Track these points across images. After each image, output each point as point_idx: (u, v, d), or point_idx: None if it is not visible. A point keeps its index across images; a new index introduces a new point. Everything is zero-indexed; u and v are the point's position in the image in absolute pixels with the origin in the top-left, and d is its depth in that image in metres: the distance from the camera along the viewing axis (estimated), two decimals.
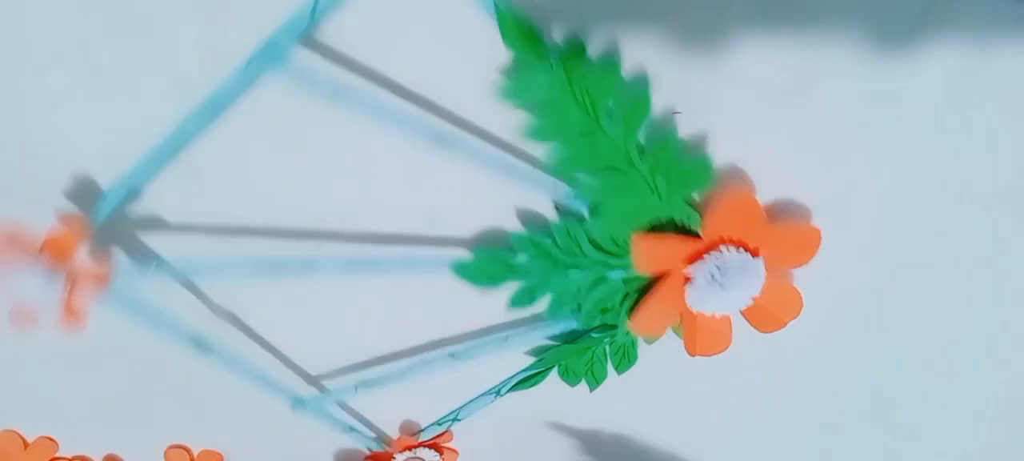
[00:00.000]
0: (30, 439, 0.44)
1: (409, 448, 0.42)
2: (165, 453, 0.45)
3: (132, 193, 0.33)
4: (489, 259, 0.34)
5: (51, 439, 0.44)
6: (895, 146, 0.31)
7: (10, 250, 0.33)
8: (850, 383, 0.39)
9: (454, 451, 0.43)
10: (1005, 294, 0.36)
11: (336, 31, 0.29)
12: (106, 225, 0.33)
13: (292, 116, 0.31)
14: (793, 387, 0.39)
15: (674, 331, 0.36)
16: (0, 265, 0.33)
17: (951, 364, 0.38)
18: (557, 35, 0.29)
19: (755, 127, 0.31)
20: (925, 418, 0.40)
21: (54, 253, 0.33)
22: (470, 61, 0.29)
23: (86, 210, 0.33)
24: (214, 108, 0.31)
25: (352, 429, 0.41)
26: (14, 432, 0.44)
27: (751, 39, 0.29)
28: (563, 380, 0.38)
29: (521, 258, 0.34)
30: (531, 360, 0.38)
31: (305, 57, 0.29)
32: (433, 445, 0.42)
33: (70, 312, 0.34)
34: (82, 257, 0.33)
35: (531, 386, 0.39)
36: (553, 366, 0.38)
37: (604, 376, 0.38)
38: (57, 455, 0.45)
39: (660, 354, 0.38)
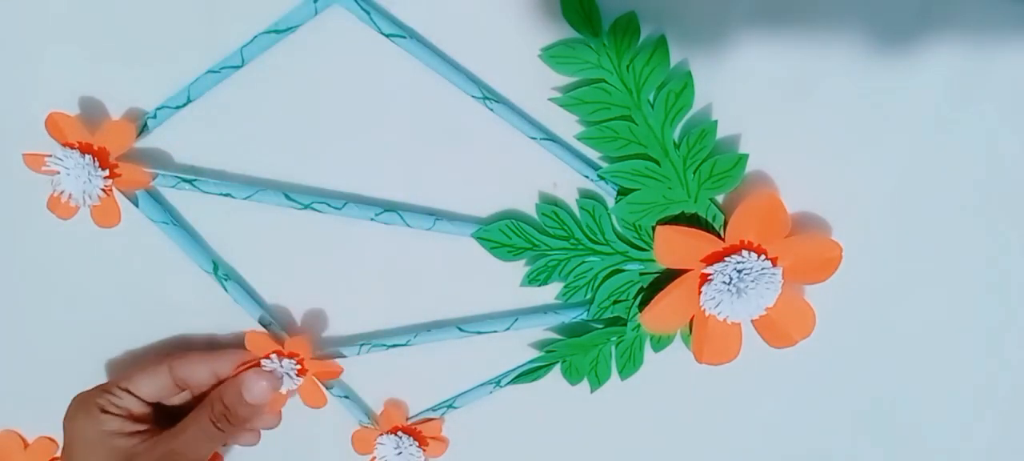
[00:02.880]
0: (30, 439, 0.44)
1: (394, 430, 0.41)
2: None
3: (183, 108, 0.34)
4: (512, 229, 0.35)
5: (51, 439, 0.44)
6: (895, 146, 0.32)
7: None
8: (849, 385, 0.38)
9: (442, 440, 0.42)
10: (1005, 293, 0.36)
11: None
12: (154, 135, 0.35)
13: (336, 64, 0.33)
14: (791, 388, 0.39)
15: (682, 339, 0.37)
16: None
17: (951, 364, 0.38)
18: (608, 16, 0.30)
19: (754, 127, 0.32)
20: (926, 419, 0.39)
21: (102, 149, 0.34)
22: (516, 29, 0.31)
23: (138, 117, 0.34)
24: (267, 41, 0.32)
25: (347, 397, 0.41)
26: (14, 432, 0.44)
27: (751, 39, 0.30)
28: (565, 377, 0.38)
29: (543, 234, 0.34)
30: (534, 354, 0.38)
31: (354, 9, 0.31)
32: (417, 434, 0.41)
33: (106, 207, 0.35)
34: (126, 159, 0.35)
35: (532, 380, 0.39)
36: (557, 361, 0.38)
37: (607, 377, 0.38)
38: (57, 455, 0.45)
39: (664, 364, 0.37)
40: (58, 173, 0.34)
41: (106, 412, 0.37)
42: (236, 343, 0.39)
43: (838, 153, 0.32)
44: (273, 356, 0.38)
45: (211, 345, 0.40)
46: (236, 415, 0.37)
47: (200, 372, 0.38)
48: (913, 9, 0.29)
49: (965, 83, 0.30)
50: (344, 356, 0.39)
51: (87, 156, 0.34)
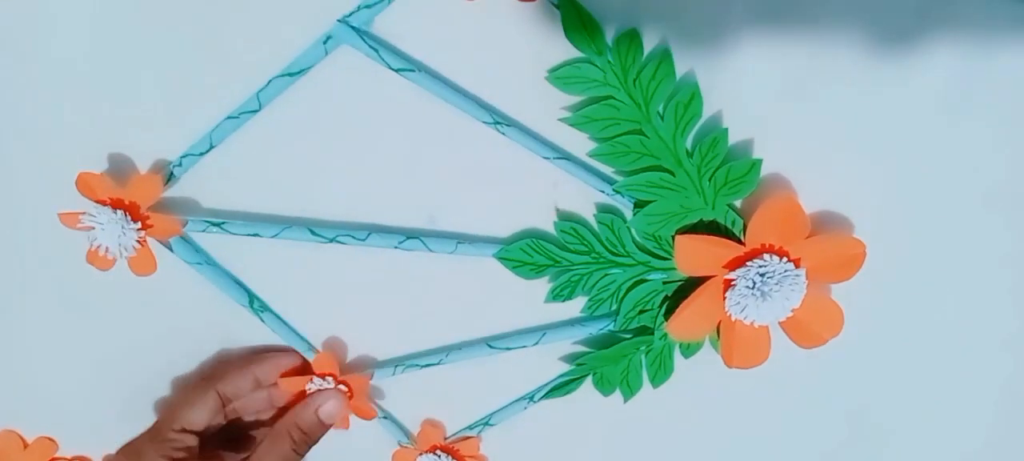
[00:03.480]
0: (30, 439, 0.45)
1: (433, 450, 0.42)
2: None
3: (206, 154, 0.35)
4: (533, 248, 0.35)
5: (51, 439, 0.45)
6: (894, 146, 0.32)
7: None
8: (850, 385, 0.38)
9: (481, 458, 0.43)
10: (1005, 293, 0.35)
11: (394, 15, 0.31)
12: (180, 183, 0.36)
13: (348, 101, 0.33)
14: (793, 389, 0.39)
15: (711, 344, 0.36)
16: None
17: (950, 364, 0.37)
18: (612, 31, 0.30)
19: (753, 127, 0.32)
20: (925, 419, 0.39)
21: (132, 203, 0.35)
22: (522, 53, 0.31)
23: (163, 168, 0.35)
24: (281, 84, 0.33)
25: (386, 417, 0.42)
26: (14, 432, 0.45)
27: (751, 40, 0.30)
28: (597, 389, 0.38)
29: (564, 250, 0.35)
30: (565, 368, 0.39)
31: (363, 41, 0.31)
32: (455, 453, 0.42)
33: (142, 256, 0.37)
34: (157, 209, 0.36)
35: (565, 394, 0.39)
36: (588, 373, 0.38)
37: (639, 386, 0.38)
38: (57, 455, 0.46)
39: (696, 370, 0.37)
40: (94, 229, 0.35)
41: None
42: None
43: (837, 153, 0.32)
44: (329, 378, 0.39)
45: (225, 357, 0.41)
46: (313, 437, 0.39)
47: (244, 383, 0.39)
48: (913, 9, 0.29)
49: (965, 83, 0.30)
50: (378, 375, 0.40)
51: (119, 212, 0.35)
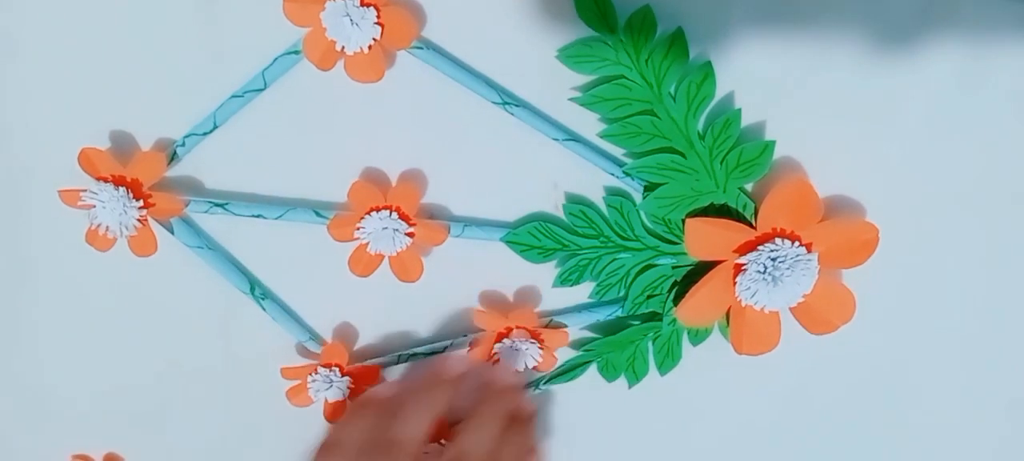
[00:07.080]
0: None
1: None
2: None
3: (210, 134, 0.35)
4: (541, 231, 0.34)
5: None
6: (894, 146, 0.32)
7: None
8: (849, 384, 0.38)
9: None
10: (1004, 294, 0.35)
11: None
12: (183, 163, 0.35)
13: (355, 84, 0.33)
14: (802, 376, 0.38)
15: (720, 330, 0.36)
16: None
17: (948, 364, 0.37)
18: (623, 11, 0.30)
19: (766, 110, 0.31)
20: (923, 419, 0.39)
21: (135, 180, 0.35)
22: (531, 31, 0.31)
23: (167, 147, 0.35)
24: (288, 63, 0.33)
25: None
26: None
27: (751, 39, 0.30)
28: (602, 375, 0.38)
29: (572, 234, 0.34)
30: (571, 354, 0.38)
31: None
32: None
33: (143, 236, 0.36)
34: (159, 188, 0.35)
35: (569, 380, 0.39)
36: (594, 360, 0.38)
37: (645, 372, 0.38)
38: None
39: (704, 357, 0.37)
40: (94, 207, 0.35)
41: None
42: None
43: (836, 153, 0.32)
44: (320, 370, 0.38)
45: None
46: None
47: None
48: (913, 9, 0.29)
49: (965, 83, 0.30)
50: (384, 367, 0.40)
51: (121, 188, 0.34)
